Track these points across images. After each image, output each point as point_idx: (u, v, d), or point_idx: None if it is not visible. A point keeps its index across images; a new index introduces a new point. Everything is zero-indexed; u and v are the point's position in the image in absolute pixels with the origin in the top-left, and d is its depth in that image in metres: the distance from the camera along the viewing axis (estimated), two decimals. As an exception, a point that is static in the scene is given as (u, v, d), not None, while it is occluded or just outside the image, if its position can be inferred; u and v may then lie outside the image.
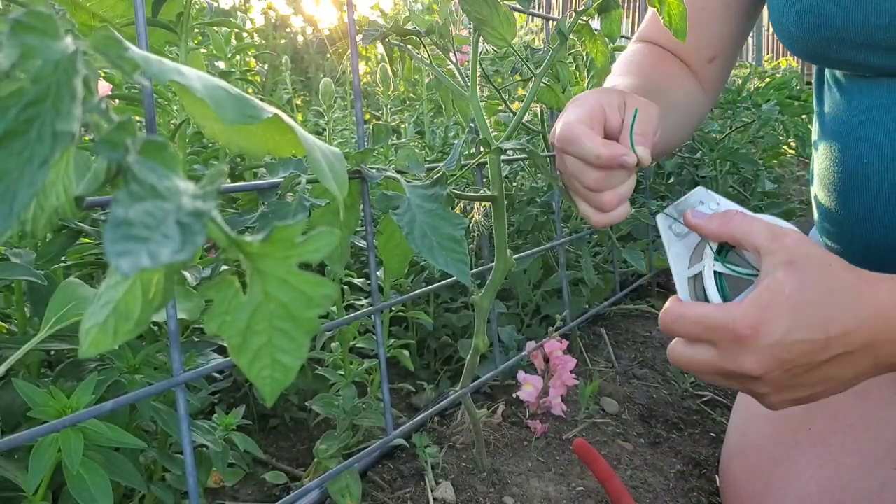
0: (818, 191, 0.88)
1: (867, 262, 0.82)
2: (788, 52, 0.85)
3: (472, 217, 1.08)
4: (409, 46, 0.73)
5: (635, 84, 0.77)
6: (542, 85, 0.72)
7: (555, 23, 0.71)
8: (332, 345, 0.90)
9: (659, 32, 0.91)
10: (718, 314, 0.54)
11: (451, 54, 0.72)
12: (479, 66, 0.71)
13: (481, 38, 0.68)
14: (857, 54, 0.71)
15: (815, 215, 0.90)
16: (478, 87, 0.71)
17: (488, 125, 0.71)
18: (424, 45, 0.73)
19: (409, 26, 0.71)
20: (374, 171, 0.60)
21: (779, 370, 0.53)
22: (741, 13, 0.89)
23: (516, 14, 0.72)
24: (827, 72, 0.81)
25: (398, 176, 0.59)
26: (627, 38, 1.63)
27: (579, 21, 0.69)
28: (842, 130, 0.77)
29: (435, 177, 0.58)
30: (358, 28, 0.66)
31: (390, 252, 0.67)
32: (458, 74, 0.75)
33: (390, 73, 1.23)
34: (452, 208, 0.55)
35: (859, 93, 0.75)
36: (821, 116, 0.84)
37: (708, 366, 0.55)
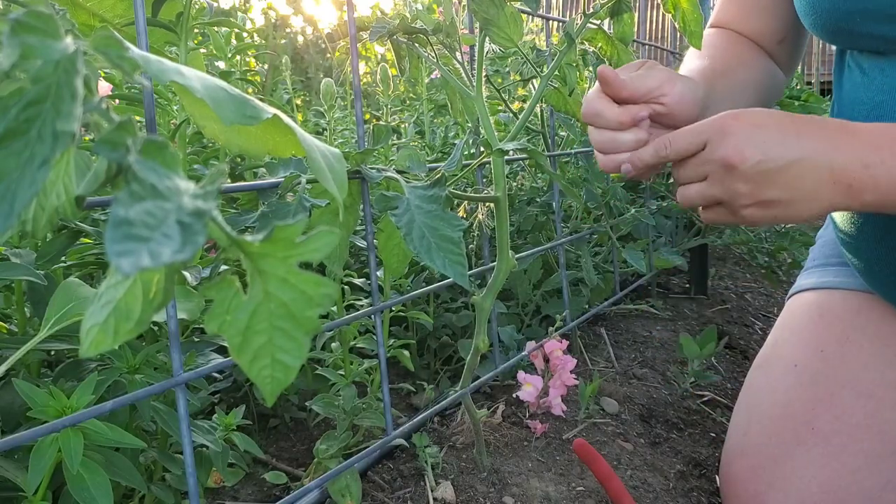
0: None
1: (882, 247, 0.79)
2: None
3: (476, 217, 1.08)
4: (417, 45, 0.73)
5: (703, 66, 0.84)
6: (549, 87, 0.72)
7: (555, 23, 0.71)
8: (333, 345, 0.90)
9: (731, 17, 0.96)
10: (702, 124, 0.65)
11: (458, 53, 0.72)
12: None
13: (487, 39, 0.68)
14: (881, 27, 0.70)
15: (832, 225, 0.90)
16: (483, 86, 0.71)
17: (492, 125, 0.71)
18: (431, 45, 0.73)
19: (417, 25, 0.71)
20: (374, 171, 0.60)
21: (755, 157, 0.61)
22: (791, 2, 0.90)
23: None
24: (848, 55, 0.80)
25: (398, 176, 0.59)
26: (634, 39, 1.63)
27: (592, 25, 0.70)
28: (863, 111, 0.76)
29: (435, 178, 0.58)
30: (363, 26, 0.66)
31: (390, 252, 0.67)
32: (463, 74, 0.75)
33: (391, 73, 1.23)
34: (453, 209, 0.55)
35: (881, 72, 0.74)
36: (839, 102, 0.83)
37: (700, 174, 0.65)
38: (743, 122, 0.62)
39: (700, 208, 0.68)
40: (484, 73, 0.69)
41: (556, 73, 0.71)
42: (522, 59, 0.77)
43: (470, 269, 0.82)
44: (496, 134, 0.70)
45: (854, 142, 0.61)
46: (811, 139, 0.61)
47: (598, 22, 0.70)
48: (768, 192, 0.62)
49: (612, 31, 0.73)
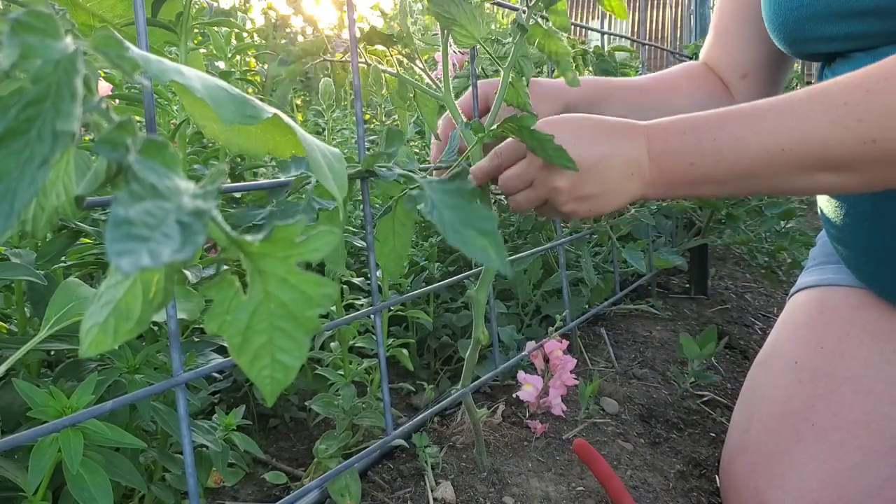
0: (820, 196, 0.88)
1: (870, 265, 0.82)
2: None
3: None
4: (379, 58, 0.76)
5: (613, 79, 0.97)
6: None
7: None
8: (332, 344, 0.90)
9: (706, 52, 1.04)
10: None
11: (418, 61, 0.76)
12: (472, 65, 0.72)
13: (451, 39, 0.70)
14: (830, 27, 0.74)
15: (821, 218, 0.90)
16: (451, 85, 0.73)
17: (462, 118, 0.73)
18: (391, 55, 0.75)
19: (376, 39, 0.74)
20: (385, 170, 0.60)
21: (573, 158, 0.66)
22: (761, 37, 0.93)
23: (486, 7, 0.73)
24: (826, 70, 0.82)
25: (415, 174, 0.59)
26: (627, 37, 1.63)
27: (532, 19, 0.71)
28: None
29: (455, 170, 0.58)
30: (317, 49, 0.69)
31: (386, 256, 0.68)
32: (426, 78, 0.76)
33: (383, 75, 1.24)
34: (473, 190, 0.55)
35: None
36: None
37: (524, 183, 0.70)
38: (563, 128, 0.68)
39: (536, 210, 0.74)
40: (482, 72, 0.70)
41: (515, 66, 0.72)
42: (491, 55, 0.78)
43: (470, 268, 0.82)
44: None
45: (640, 137, 0.68)
46: (615, 138, 0.68)
47: (536, 16, 0.71)
48: (584, 188, 0.68)
49: (551, 23, 0.74)
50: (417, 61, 0.76)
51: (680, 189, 0.69)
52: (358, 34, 0.68)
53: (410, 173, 0.59)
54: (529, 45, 0.73)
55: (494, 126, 0.67)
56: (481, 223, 0.51)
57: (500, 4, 0.85)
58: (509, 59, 0.71)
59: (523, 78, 0.73)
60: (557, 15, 0.73)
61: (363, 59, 0.75)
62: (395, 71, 0.76)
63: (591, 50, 1.22)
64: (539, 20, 0.71)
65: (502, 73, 0.72)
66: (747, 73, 0.98)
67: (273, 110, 0.32)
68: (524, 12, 0.70)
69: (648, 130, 0.69)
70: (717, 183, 0.66)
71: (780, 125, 0.62)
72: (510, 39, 0.71)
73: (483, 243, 0.50)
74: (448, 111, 0.74)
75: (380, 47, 0.76)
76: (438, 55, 0.76)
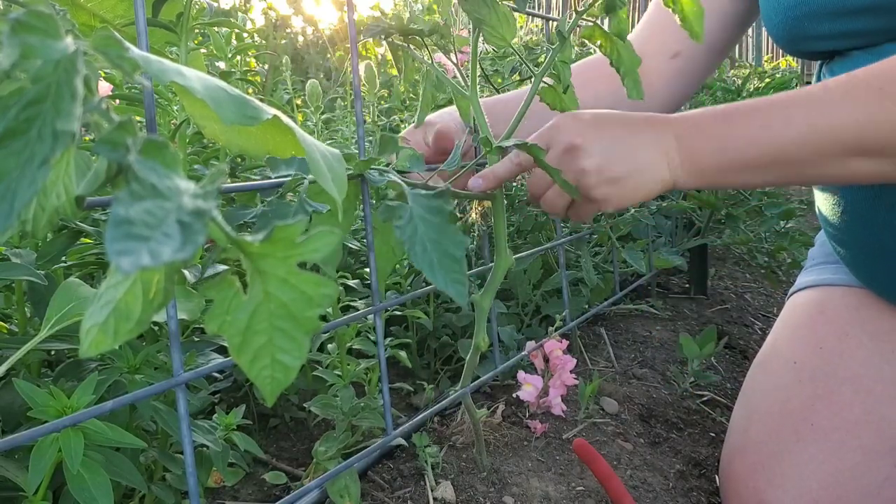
0: (816, 189, 0.88)
1: (868, 264, 0.82)
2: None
3: (470, 217, 1.09)
4: (412, 47, 0.74)
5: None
6: (543, 85, 0.72)
7: (555, 23, 0.71)
8: (329, 346, 0.90)
9: (632, 38, 0.97)
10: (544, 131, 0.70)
11: (452, 54, 0.73)
12: (478, 66, 0.71)
13: (481, 38, 0.69)
14: (827, 25, 0.73)
15: (819, 218, 0.90)
16: (478, 86, 0.71)
17: (488, 124, 0.71)
18: (426, 46, 0.73)
19: (413, 26, 0.71)
20: (376, 174, 0.60)
21: (593, 134, 0.67)
22: (715, 11, 0.91)
23: (517, 14, 0.72)
24: (824, 68, 0.82)
25: (401, 182, 0.58)
26: (627, 38, 1.63)
27: (588, 23, 0.70)
28: None
29: (439, 189, 0.57)
30: (358, 28, 0.66)
31: (382, 258, 0.69)
32: (458, 74, 0.75)
33: (376, 72, 1.23)
34: (453, 213, 0.54)
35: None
36: None
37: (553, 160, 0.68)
38: (577, 118, 0.68)
39: (569, 212, 0.73)
40: (483, 73, 0.69)
41: (552, 70, 0.71)
42: (522, 58, 0.77)
43: (470, 268, 0.82)
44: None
45: (665, 125, 0.69)
46: (639, 124, 0.69)
47: (592, 19, 0.70)
48: (612, 167, 0.66)
49: (609, 27, 0.72)
50: (452, 55, 0.73)
51: (711, 177, 0.67)
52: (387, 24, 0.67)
53: (397, 181, 0.58)
54: (592, 45, 0.72)
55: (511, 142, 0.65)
56: (452, 247, 0.51)
57: (535, 14, 0.84)
58: (545, 63, 0.70)
59: (562, 85, 0.72)
60: (620, 21, 0.69)
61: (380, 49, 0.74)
62: (431, 64, 0.74)
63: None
64: (597, 23, 0.70)
65: (533, 80, 0.71)
66: (679, 52, 0.95)
67: (273, 111, 0.32)
68: (569, 18, 0.69)
69: (673, 120, 0.69)
70: (750, 169, 0.65)
71: (811, 111, 0.62)
72: (542, 48, 0.70)
73: (443, 272, 0.50)
74: (472, 112, 0.72)
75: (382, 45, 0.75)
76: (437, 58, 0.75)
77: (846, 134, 0.61)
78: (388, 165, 0.64)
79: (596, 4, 0.68)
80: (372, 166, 0.60)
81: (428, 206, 0.54)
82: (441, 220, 0.53)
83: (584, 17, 0.69)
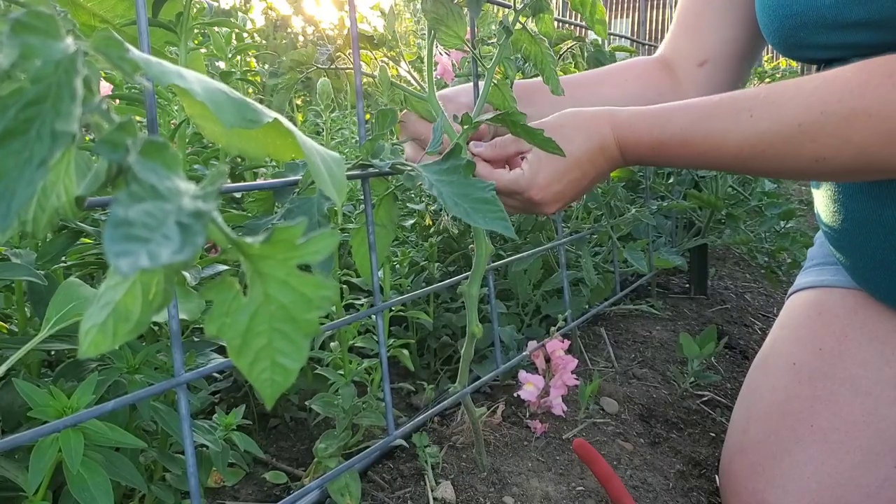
0: (816, 195, 0.88)
1: (867, 270, 0.83)
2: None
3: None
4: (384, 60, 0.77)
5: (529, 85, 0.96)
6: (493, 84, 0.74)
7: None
8: (332, 344, 0.90)
9: (663, 46, 1.02)
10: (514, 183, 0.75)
11: (402, 62, 0.77)
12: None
13: (436, 41, 0.71)
14: (824, 36, 0.74)
15: (818, 222, 0.90)
16: (434, 86, 0.73)
17: (450, 120, 0.73)
18: (376, 58, 0.76)
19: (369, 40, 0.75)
20: (381, 162, 0.61)
21: (554, 192, 0.74)
22: (739, 21, 0.92)
23: (486, 7, 0.75)
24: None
25: (407, 164, 0.60)
26: (627, 37, 1.63)
27: (518, 24, 0.71)
28: None
29: (447, 150, 0.60)
30: (305, 60, 0.70)
31: (363, 256, 0.70)
32: (411, 80, 0.77)
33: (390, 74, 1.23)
34: (469, 162, 0.57)
35: None
36: None
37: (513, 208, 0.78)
38: (536, 179, 0.73)
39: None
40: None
41: (499, 67, 0.72)
42: (476, 56, 0.78)
43: (470, 268, 0.82)
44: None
45: (612, 118, 0.75)
46: (594, 161, 0.75)
47: (522, 21, 0.72)
48: (566, 200, 0.76)
49: (536, 29, 0.75)
50: (402, 63, 0.77)
51: (648, 154, 0.75)
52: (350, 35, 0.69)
53: (402, 164, 0.60)
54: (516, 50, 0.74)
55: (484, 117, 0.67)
56: (480, 192, 0.54)
57: (495, 3, 0.85)
58: (494, 60, 0.71)
59: (507, 80, 0.74)
60: (544, 24, 0.73)
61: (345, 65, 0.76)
62: (380, 73, 0.77)
63: (590, 41, 1.22)
64: (525, 26, 0.71)
65: (486, 74, 0.72)
66: (706, 60, 0.96)
67: (273, 114, 0.32)
68: (513, 13, 0.71)
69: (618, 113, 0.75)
70: (682, 160, 0.74)
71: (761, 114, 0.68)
72: (496, 41, 0.72)
73: (481, 215, 0.52)
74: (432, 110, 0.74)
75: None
76: (435, 56, 0.76)
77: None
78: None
79: (526, 7, 0.71)
80: (377, 146, 0.61)
81: (440, 169, 0.58)
82: (458, 176, 0.57)
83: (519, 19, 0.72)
